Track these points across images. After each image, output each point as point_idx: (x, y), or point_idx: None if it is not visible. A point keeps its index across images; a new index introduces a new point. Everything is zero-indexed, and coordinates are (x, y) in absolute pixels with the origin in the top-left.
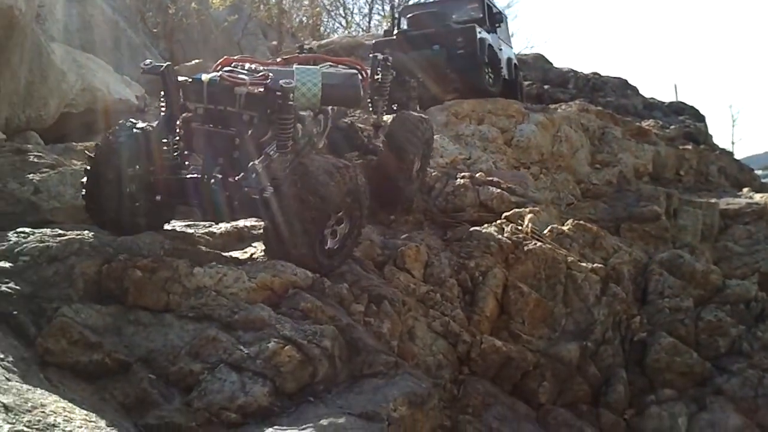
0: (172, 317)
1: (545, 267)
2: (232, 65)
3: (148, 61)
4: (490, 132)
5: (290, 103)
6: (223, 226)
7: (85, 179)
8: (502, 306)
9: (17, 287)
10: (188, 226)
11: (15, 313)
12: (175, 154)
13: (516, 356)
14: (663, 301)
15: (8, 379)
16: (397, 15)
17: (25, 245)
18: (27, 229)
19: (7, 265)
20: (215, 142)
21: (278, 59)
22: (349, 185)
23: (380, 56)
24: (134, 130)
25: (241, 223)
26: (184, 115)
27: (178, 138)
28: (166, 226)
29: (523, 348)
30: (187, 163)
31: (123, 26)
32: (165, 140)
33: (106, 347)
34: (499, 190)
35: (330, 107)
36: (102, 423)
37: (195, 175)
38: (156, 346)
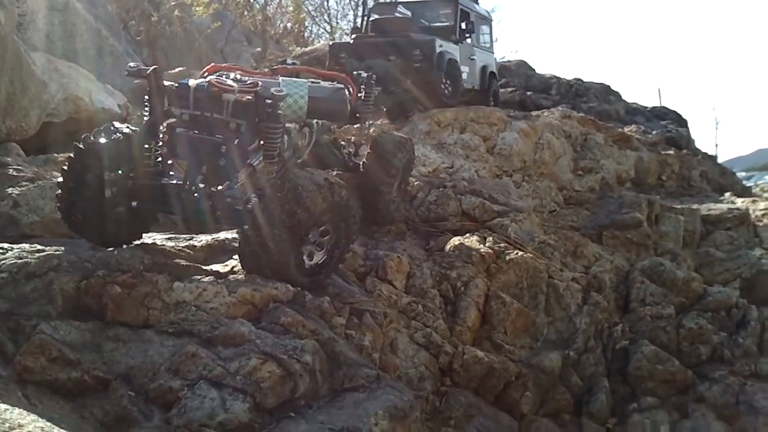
0: (152, 333)
1: (527, 276)
2: (219, 73)
3: (133, 64)
4: (472, 140)
5: (279, 112)
6: (204, 239)
7: (61, 180)
8: (484, 316)
9: None
10: (169, 238)
11: None
12: (158, 160)
13: (498, 367)
14: (645, 308)
15: None
16: (368, 12)
17: (3, 261)
18: (5, 245)
19: None
20: (200, 149)
21: (265, 69)
22: (323, 205)
23: (365, 74)
24: (115, 133)
25: (222, 235)
26: (168, 121)
27: (161, 144)
28: (147, 239)
29: (505, 358)
30: (171, 173)
31: (106, 34)
32: (147, 145)
33: (85, 364)
34: (481, 199)
35: (315, 121)
36: None
37: (176, 182)
38: (136, 362)
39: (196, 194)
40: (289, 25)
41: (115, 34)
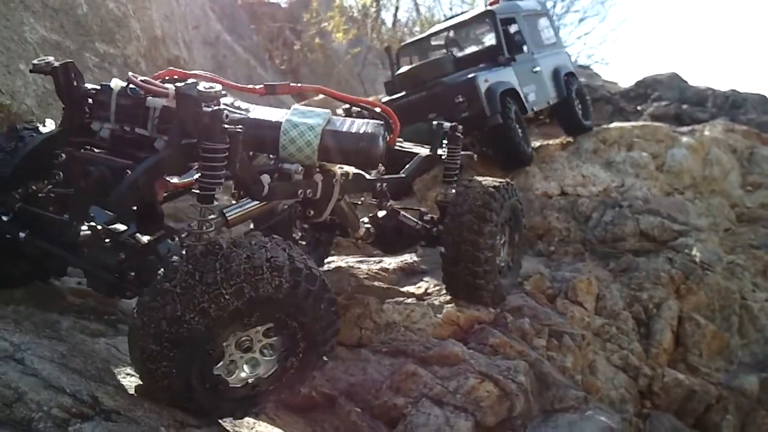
0: (368, 352)
1: (719, 297)
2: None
3: (41, 58)
4: (641, 157)
5: (222, 125)
6: (394, 261)
7: None
8: (677, 338)
9: None
10: (360, 261)
11: None
12: (54, 188)
13: (699, 389)
14: None
15: None
16: (395, 61)
17: None
18: None
19: None
20: (97, 176)
21: (258, 87)
22: (254, 294)
23: (447, 124)
24: (13, 139)
25: (407, 257)
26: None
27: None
28: (339, 262)
29: (704, 381)
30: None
31: (253, 64)
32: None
33: (312, 381)
34: (660, 219)
35: (341, 168)
36: None
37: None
38: (356, 380)
39: (107, 241)
40: None
41: (262, 63)
